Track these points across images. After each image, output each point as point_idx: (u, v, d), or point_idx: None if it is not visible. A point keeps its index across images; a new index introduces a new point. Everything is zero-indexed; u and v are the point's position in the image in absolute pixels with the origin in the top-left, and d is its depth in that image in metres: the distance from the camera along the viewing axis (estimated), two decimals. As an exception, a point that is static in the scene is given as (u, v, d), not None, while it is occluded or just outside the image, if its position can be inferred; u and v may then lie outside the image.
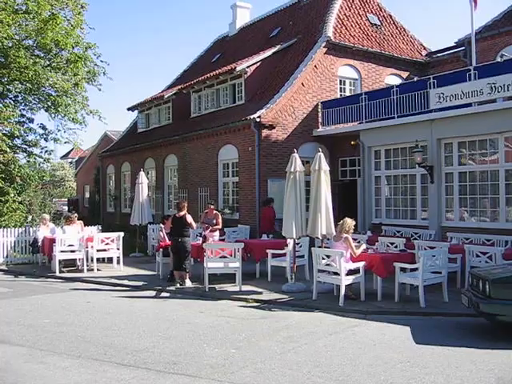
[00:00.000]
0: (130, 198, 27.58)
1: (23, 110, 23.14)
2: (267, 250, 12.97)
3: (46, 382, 6.18)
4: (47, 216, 18.37)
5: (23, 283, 14.13)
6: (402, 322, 8.91)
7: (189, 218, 12.69)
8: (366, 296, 10.59)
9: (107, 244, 15.57)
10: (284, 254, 12.77)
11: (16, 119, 21.77)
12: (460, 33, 76.58)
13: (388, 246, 13.01)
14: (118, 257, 15.68)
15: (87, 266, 15.24)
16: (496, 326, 8.27)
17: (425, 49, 24.48)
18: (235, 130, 20.04)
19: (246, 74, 21.56)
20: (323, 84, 20.73)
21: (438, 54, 23.63)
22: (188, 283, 12.56)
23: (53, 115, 22.63)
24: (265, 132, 18.97)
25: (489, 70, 15.17)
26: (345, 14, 22.56)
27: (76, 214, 17.50)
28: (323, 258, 10.70)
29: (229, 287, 12.24)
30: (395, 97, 17.49)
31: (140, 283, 13.21)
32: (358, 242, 12.10)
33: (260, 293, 11.60)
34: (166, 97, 26.43)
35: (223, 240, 16.19)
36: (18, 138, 22.70)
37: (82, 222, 17.19)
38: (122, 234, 15.88)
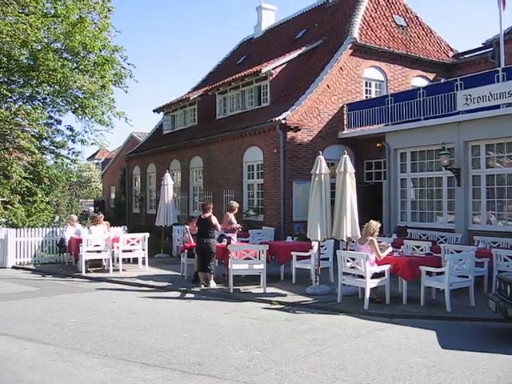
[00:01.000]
0: (155, 199, 27.78)
1: (51, 111, 23.52)
2: (292, 252, 12.95)
3: (72, 381, 6.25)
4: (74, 216, 18.61)
5: (50, 282, 14.33)
6: (428, 327, 8.82)
7: (214, 220, 12.73)
8: (392, 299, 10.51)
9: (133, 245, 15.71)
10: (309, 257, 12.73)
11: (44, 121, 22.11)
12: (488, 34, 75.67)
13: (414, 249, 12.90)
14: (144, 257, 15.81)
15: (113, 266, 15.38)
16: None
17: (452, 50, 24.23)
18: (260, 132, 20.07)
19: (271, 76, 21.58)
20: (349, 86, 20.65)
21: (466, 56, 23.35)
22: (212, 284, 12.61)
23: (80, 117, 22.95)
24: (290, 134, 18.96)
25: (517, 72, 14.97)
26: (371, 16, 22.45)
27: (102, 215, 17.67)
28: (348, 261, 10.65)
29: (253, 289, 12.25)
30: (421, 99, 17.34)
31: (165, 284, 13.30)
32: (384, 245, 12.01)
33: (284, 295, 11.59)
34: (191, 99, 26.58)
35: (247, 242, 16.22)
36: (46, 140, 23.08)
37: (108, 222, 17.38)
38: (147, 234, 16.00)
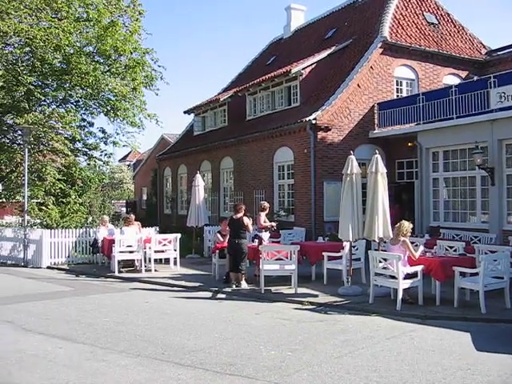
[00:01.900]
0: (186, 200, 27.97)
1: (84, 114, 23.94)
2: (323, 253, 12.91)
3: (106, 380, 6.32)
4: (107, 217, 18.83)
5: (84, 282, 14.54)
6: (462, 328, 8.69)
7: (246, 220, 12.76)
8: (424, 300, 10.38)
9: (164, 245, 15.83)
10: (340, 257, 12.66)
11: (77, 123, 22.48)
12: (522, 30, 74.12)
13: (447, 249, 12.71)
14: (175, 258, 15.93)
15: (145, 266, 15.53)
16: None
17: (484, 47, 23.85)
18: (291, 133, 20.05)
19: (301, 76, 21.54)
20: (379, 85, 20.49)
21: (499, 53, 22.97)
22: (244, 285, 12.63)
23: (112, 119, 23.31)
24: (320, 134, 18.90)
25: (553, 68, 14.67)
26: (401, 14, 22.24)
27: (134, 216, 17.84)
28: (380, 262, 10.57)
29: (284, 289, 12.22)
30: (454, 97, 17.11)
31: (196, 284, 13.37)
32: (416, 246, 11.87)
33: (316, 295, 11.55)
34: (221, 100, 26.71)
35: (279, 242, 16.21)
36: (79, 142, 23.48)
37: (139, 223, 17.54)
38: (178, 235, 16.11)
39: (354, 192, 11.43)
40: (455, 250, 12.42)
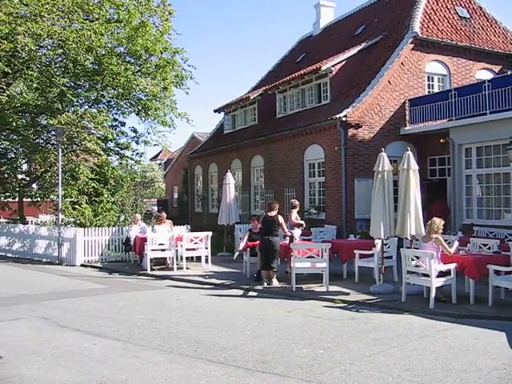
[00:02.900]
0: (217, 199, 28.10)
1: (115, 114, 24.25)
2: (354, 251, 12.85)
3: (140, 376, 6.39)
4: (139, 215, 19.03)
5: (117, 280, 14.73)
6: (497, 327, 8.55)
7: (280, 219, 12.79)
8: (458, 299, 10.25)
9: (196, 243, 15.94)
10: (372, 255, 12.59)
11: (109, 123, 22.77)
12: (557, 22, 72.38)
13: (481, 247, 12.54)
14: (207, 256, 16.04)
15: (177, 264, 15.67)
16: None
17: (518, 41, 23.40)
18: (321, 130, 19.98)
19: (331, 74, 21.43)
20: (410, 81, 20.26)
21: (534, 46, 22.53)
22: (275, 283, 12.64)
23: (143, 118, 23.58)
24: (351, 131, 18.80)
25: None
26: (432, 9, 21.95)
27: (165, 214, 18.00)
28: (412, 259, 10.48)
29: (316, 287, 12.22)
30: (487, 92, 16.84)
31: (228, 282, 13.44)
32: (449, 243, 11.73)
33: (347, 293, 11.51)
34: (251, 98, 26.73)
35: (310, 240, 16.19)
36: (111, 141, 23.80)
37: (171, 221, 17.68)
38: (210, 233, 16.21)
39: (386, 189, 11.34)
40: (489, 248, 12.24)
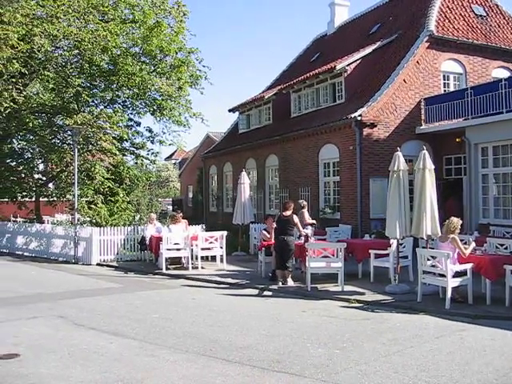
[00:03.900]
0: (231, 198, 28.15)
1: (131, 114, 24.37)
2: (370, 250, 12.80)
3: (156, 374, 6.43)
4: (154, 215, 19.09)
5: (132, 279, 14.82)
6: (514, 328, 8.50)
7: (296, 219, 12.79)
8: (474, 299, 10.18)
9: (211, 243, 15.97)
10: (387, 255, 12.55)
11: (124, 123, 22.89)
12: None
13: (497, 247, 12.42)
14: (222, 255, 16.06)
15: (192, 263, 15.72)
16: None
17: (536, 39, 23.15)
18: (336, 129, 19.94)
19: (345, 73, 21.37)
20: (426, 80, 20.15)
21: (552, 44, 22.27)
22: (290, 282, 12.64)
23: (158, 118, 23.69)
24: (366, 130, 18.74)
25: None
26: (447, 7, 21.79)
27: (181, 214, 18.05)
28: (428, 259, 10.42)
29: (331, 287, 12.19)
30: (504, 90, 16.69)
31: (243, 281, 13.46)
32: (465, 243, 11.65)
33: (362, 293, 11.48)
34: (266, 97, 26.74)
35: (324, 240, 16.17)
36: (127, 141, 23.95)
37: (186, 221, 17.73)
38: (225, 233, 16.23)
39: (401, 189, 11.30)
40: (506, 248, 12.13)
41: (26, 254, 20.54)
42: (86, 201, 21.56)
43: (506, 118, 16.42)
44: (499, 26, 22.58)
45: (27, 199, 24.82)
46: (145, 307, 10.71)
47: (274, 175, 25.44)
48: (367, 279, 12.81)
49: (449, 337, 8.11)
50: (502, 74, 20.95)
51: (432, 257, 10.39)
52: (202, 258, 15.97)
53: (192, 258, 15.80)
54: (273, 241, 13.53)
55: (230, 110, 30.73)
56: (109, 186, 21.60)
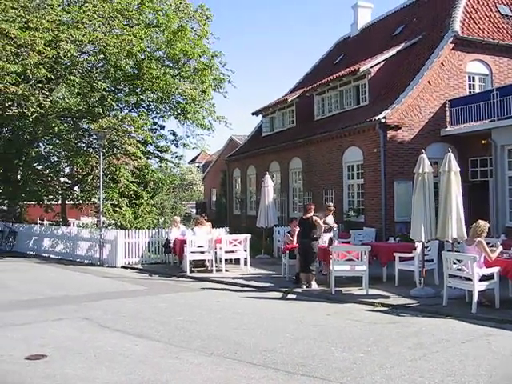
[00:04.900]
0: (255, 201, 28.16)
1: (155, 117, 24.58)
2: (394, 254, 12.71)
3: (181, 377, 6.46)
4: (178, 218, 19.18)
5: (157, 282, 14.92)
6: (542, 333, 8.36)
7: (315, 219, 12.75)
8: (501, 304, 10.03)
9: (235, 246, 15.99)
10: (412, 258, 12.44)
11: (149, 127, 23.07)
12: None
13: (525, 250, 12.24)
14: (246, 258, 16.08)
15: (216, 266, 15.76)
16: None
17: None
18: (360, 132, 19.84)
19: (369, 75, 21.26)
20: (451, 81, 19.93)
21: None
22: (314, 285, 12.61)
23: (182, 122, 23.87)
24: (390, 133, 18.61)
25: None
26: (472, 7, 21.54)
27: (205, 217, 18.10)
28: (454, 263, 10.31)
29: (355, 290, 12.13)
30: (531, 92, 16.44)
31: (267, 284, 13.46)
32: (492, 246, 11.50)
33: (387, 297, 11.40)
34: (289, 100, 26.72)
35: (349, 243, 16.10)
36: (151, 145, 24.16)
37: (210, 224, 17.78)
38: (249, 235, 16.24)
39: (426, 191, 11.20)
40: (534, 251, 11.93)
41: (52, 256, 20.80)
42: (111, 204, 21.78)
43: (534, 119, 16.18)
44: (526, 26, 22.25)
45: (53, 202, 25.20)
46: (169, 310, 10.77)
47: (297, 178, 25.40)
48: (392, 283, 12.71)
49: (475, 341, 8.01)
50: (530, 74, 20.64)
51: (458, 260, 10.27)
52: (226, 260, 15.97)
53: (216, 261, 15.84)
54: (296, 244, 13.51)
55: (253, 114, 30.76)
56: (133, 189, 21.79)
